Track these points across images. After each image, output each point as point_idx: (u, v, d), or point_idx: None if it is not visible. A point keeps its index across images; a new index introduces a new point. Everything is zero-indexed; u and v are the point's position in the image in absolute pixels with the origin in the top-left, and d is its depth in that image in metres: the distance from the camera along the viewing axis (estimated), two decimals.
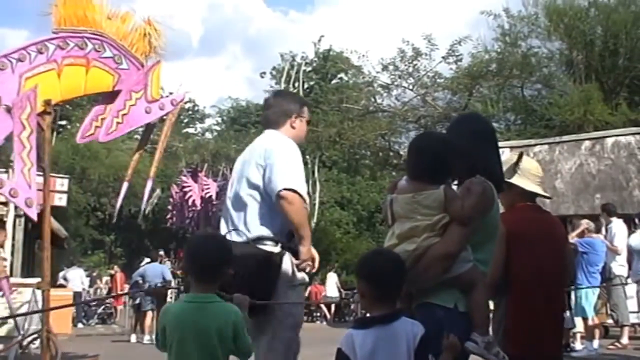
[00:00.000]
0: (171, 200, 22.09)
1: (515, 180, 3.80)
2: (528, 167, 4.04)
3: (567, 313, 9.38)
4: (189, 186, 20.12)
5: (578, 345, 10.16)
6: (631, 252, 10.27)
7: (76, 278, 19.71)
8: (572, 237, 9.94)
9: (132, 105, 6.27)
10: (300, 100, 5.00)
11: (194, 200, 19.88)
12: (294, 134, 4.36)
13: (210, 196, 19.88)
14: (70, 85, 6.03)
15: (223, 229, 4.16)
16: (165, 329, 2.99)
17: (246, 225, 4.05)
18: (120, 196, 7.57)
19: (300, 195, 3.98)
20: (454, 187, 3.06)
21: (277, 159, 4.04)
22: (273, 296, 3.92)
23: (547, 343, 3.80)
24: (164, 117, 6.62)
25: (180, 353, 2.93)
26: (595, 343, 9.99)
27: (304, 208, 4.04)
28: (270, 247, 4.00)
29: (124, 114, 6.25)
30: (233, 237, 3.97)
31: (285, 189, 3.92)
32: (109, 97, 6.29)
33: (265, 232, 4.02)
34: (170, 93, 7.10)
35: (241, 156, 4.53)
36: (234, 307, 2.99)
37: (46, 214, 6.12)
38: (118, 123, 6.25)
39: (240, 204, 4.14)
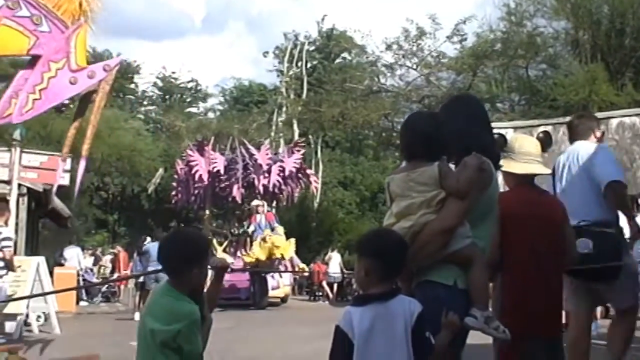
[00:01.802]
0: (176, 176, 21.90)
1: (504, 164, 3.77)
2: (520, 147, 4.03)
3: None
4: (195, 160, 19.82)
5: None
6: None
7: (73, 257, 19.72)
8: None
9: (51, 77, 5.49)
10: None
11: (200, 175, 19.59)
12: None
13: (218, 170, 19.58)
14: None
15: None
16: None
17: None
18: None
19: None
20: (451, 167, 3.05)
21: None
22: None
23: (544, 322, 3.81)
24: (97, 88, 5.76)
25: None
26: (596, 324, 10.01)
27: None
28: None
29: (42, 89, 5.47)
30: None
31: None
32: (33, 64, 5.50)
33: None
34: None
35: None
36: (184, 309, 2.89)
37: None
38: (35, 100, 5.46)
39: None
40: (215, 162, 19.55)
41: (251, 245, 18.47)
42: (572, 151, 5.13)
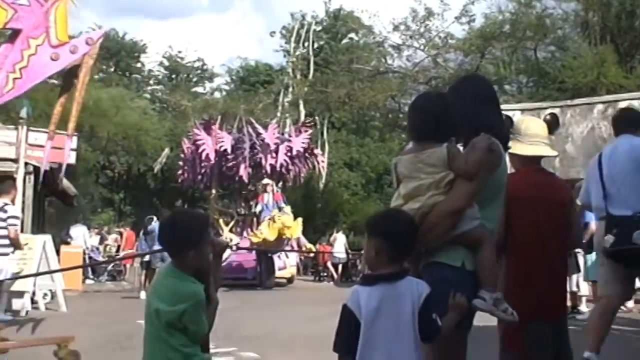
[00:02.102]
0: (182, 155, 21.83)
1: (512, 146, 3.75)
2: (526, 129, 4.00)
3: (575, 276, 9.40)
4: (201, 139, 19.75)
5: (583, 307, 10.19)
6: None
7: (79, 236, 19.79)
8: None
9: (31, 55, 5.28)
10: None
11: (207, 154, 19.57)
12: None
13: (225, 150, 19.55)
14: None
15: None
16: None
17: None
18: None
19: None
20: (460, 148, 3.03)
21: None
22: None
23: (548, 305, 3.81)
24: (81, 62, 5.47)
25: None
26: None
27: None
28: None
29: (23, 67, 5.27)
30: None
31: None
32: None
33: None
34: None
35: None
36: (189, 290, 2.89)
37: None
38: (15, 79, 5.27)
39: None
40: (222, 141, 19.47)
41: (258, 225, 18.46)
42: (623, 143, 5.14)
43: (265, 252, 17.29)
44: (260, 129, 20.21)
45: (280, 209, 18.04)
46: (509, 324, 3.33)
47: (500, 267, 3.77)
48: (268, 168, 19.53)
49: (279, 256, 18.24)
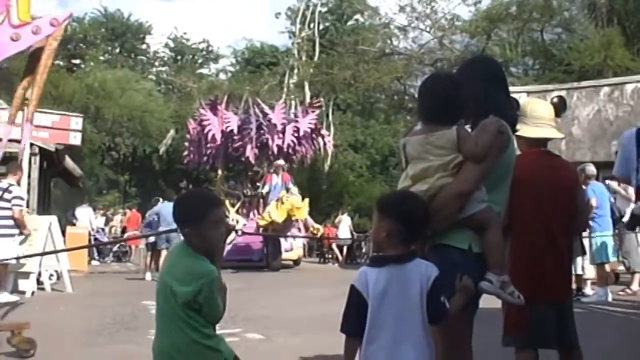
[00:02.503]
0: (188, 136, 21.37)
1: (518, 128, 3.73)
2: (532, 111, 3.99)
3: (580, 259, 9.40)
4: (207, 119, 19.36)
5: (588, 290, 10.20)
6: None
7: (84, 217, 19.85)
8: None
9: None
10: None
11: (213, 135, 19.13)
12: None
13: (232, 130, 19.07)
14: None
15: None
16: None
17: None
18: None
19: None
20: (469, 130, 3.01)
21: None
22: None
23: (552, 287, 3.82)
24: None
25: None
26: (605, 290, 10.04)
27: None
28: None
29: None
30: None
31: None
32: None
33: None
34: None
35: None
36: (202, 269, 2.88)
37: None
38: None
39: None
40: (229, 122, 19.18)
41: (264, 206, 18.38)
42: None
43: (268, 238, 17.23)
44: (267, 109, 19.94)
45: (287, 190, 17.92)
46: (512, 307, 3.34)
47: (505, 249, 3.77)
48: (275, 149, 19.24)
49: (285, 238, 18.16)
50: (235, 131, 19.19)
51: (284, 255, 18.22)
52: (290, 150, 19.79)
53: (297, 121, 19.84)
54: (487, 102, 3.10)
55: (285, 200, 17.03)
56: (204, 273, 2.83)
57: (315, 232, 18.87)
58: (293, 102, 28.94)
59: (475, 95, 3.06)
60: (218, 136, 19.26)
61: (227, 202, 19.20)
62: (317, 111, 21.32)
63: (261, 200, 19.27)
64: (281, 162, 18.83)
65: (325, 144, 21.84)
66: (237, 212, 19.22)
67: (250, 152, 19.20)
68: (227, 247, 17.17)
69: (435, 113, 2.94)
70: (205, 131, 19.37)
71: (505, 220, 3.60)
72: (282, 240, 17.87)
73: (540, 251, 3.76)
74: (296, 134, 19.60)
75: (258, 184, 19.91)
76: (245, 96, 22.83)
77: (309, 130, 20.08)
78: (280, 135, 19.28)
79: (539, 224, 3.77)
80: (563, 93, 17.44)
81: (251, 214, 19.57)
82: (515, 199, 3.63)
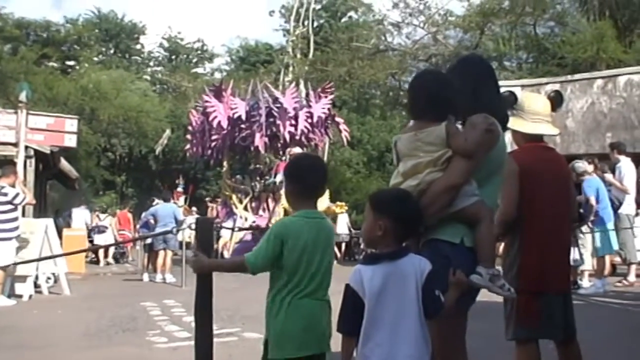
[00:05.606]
0: (190, 128, 19.96)
1: (512, 123, 3.76)
2: (529, 106, 4.02)
3: (576, 251, 9.44)
4: (212, 106, 17.92)
5: (585, 282, 10.24)
6: None
7: (79, 218, 19.78)
8: None
9: None
10: None
11: (219, 122, 17.72)
12: None
13: (239, 116, 17.55)
14: None
15: None
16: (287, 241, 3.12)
17: None
18: None
19: None
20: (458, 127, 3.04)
21: None
22: None
23: (558, 278, 3.87)
24: None
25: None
26: (602, 281, 10.07)
27: None
28: None
29: None
30: None
31: None
32: None
33: None
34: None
35: None
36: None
37: None
38: None
39: None
40: (236, 107, 17.54)
41: (276, 197, 17.55)
42: None
43: (262, 231, 16.99)
44: (277, 93, 18.54)
45: None
46: (522, 298, 3.42)
47: (514, 242, 3.80)
48: (287, 136, 17.92)
49: None
50: (244, 117, 17.65)
51: None
52: (303, 138, 18.43)
53: (310, 106, 18.43)
54: (477, 100, 3.13)
55: None
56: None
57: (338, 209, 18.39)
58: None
59: (466, 93, 3.09)
60: (224, 123, 17.73)
61: (234, 198, 18.60)
62: (331, 96, 19.80)
63: (272, 194, 18.09)
64: (297, 149, 17.25)
65: (340, 131, 20.35)
66: (245, 208, 18.36)
67: (259, 141, 17.78)
68: (236, 246, 16.98)
69: (422, 110, 2.99)
70: (211, 118, 17.93)
71: (514, 213, 3.69)
72: None
73: (550, 242, 3.81)
74: (309, 120, 18.16)
75: (266, 177, 18.76)
76: (252, 80, 21.32)
77: (322, 116, 18.65)
78: (292, 121, 17.85)
79: (549, 215, 3.83)
80: (557, 86, 17.47)
81: (260, 210, 18.35)
82: (525, 190, 3.72)
